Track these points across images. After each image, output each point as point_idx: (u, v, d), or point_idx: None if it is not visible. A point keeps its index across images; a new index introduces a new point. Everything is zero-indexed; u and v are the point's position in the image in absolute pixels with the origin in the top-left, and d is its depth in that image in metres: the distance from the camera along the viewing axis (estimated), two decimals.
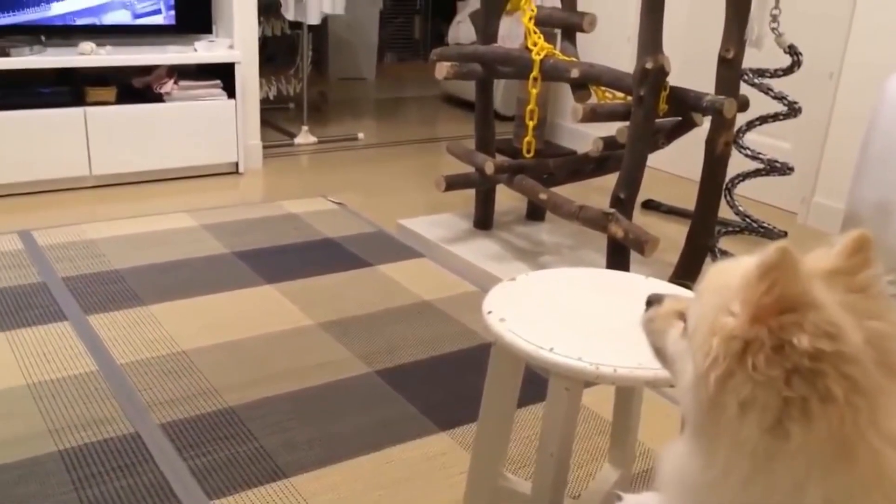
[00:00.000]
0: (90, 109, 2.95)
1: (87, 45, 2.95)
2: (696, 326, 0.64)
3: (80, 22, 3.03)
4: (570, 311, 1.17)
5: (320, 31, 4.41)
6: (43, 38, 2.98)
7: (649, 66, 1.88)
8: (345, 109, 4.71)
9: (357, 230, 2.79)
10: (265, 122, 3.64)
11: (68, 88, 2.96)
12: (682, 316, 0.70)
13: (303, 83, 4.00)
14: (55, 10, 2.97)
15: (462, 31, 4.79)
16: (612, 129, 2.22)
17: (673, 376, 0.70)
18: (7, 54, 2.80)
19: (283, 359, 1.94)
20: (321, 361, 1.93)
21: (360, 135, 4.10)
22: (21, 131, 2.83)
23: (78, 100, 2.96)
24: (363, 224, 2.86)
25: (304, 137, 3.89)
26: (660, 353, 0.74)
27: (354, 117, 4.55)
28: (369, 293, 2.31)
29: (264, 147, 3.53)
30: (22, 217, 2.74)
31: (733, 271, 0.63)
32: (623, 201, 2.04)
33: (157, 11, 3.16)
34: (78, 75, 3.00)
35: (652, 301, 0.77)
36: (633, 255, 2.14)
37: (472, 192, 2.77)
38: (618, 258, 2.12)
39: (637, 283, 1.28)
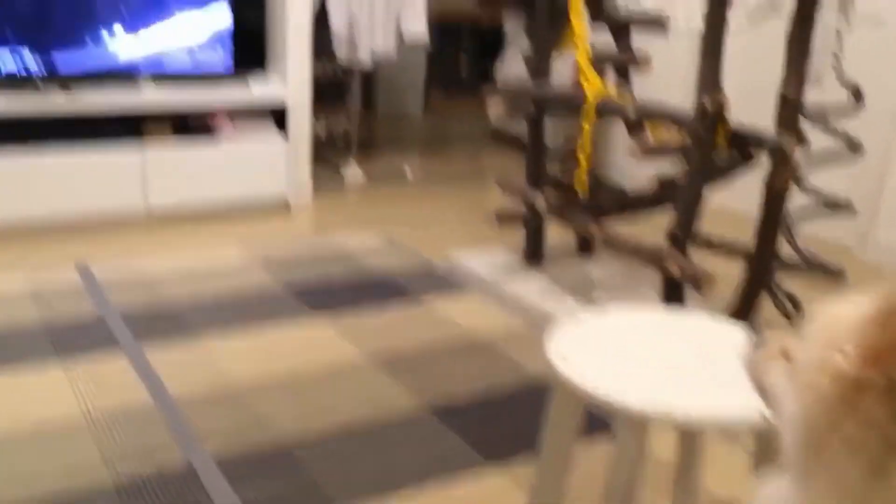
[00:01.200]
0: (149, 147, 3.02)
1: (148, 87, 3.04)
2: (803, 366, 0.63)
3: (142, 65, 3.12)
4: (636, 352, 1.15)
5: (369, 70, 4.48)
6: (107, 79, 3.08)
7: (707, 104, 1.87)
8: (392, 146, 4.76)
9: (407, 265, 2.80)
10: (315, 159, 3.69)
11: (129, 127, 3.04)
12: (786, 355, 0.70)
13: (352, 120, 4.06)
14: (119, 53, 3.07)
15: (510, 69, 4.83)
16: (663, 164, 2.20)
17: (775, 415, 0.70)
18: (73, 95, 2.89)
19: (335, 393, 1.93)
20: (373, 397, 1.93)
21: (408, 170, 4.13)
22: (83, 167, 2.92)
23: (137, 137, 3.04)
24: (413, 259, 2.86)
25: (354, 173, 3.94)
26: (762, 391, 0.74)
27: (402, 153, 4.59)
28: (420, 328, 2.31)
29: (315, 183, 3.57)
30: (81, 250, 2.80)
31: (842, 312, 0.63)
32: (679, 238, 2.02)
33: (215, 54, 3.24)
34: (138, 114, 3.08)
35: (755, 342, 0.77)
36: (688, 291, 2.11)
37: (521, 227, 2.76)
38: (673, 295, 2.09)
39: (702, 323, 1.25)
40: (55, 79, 2.96)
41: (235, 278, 2.60)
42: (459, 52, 6.26)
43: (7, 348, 2.07)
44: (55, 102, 2.87)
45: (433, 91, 6.11)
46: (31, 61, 2.93)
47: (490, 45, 6.10)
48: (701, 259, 2.92)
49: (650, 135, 2.24)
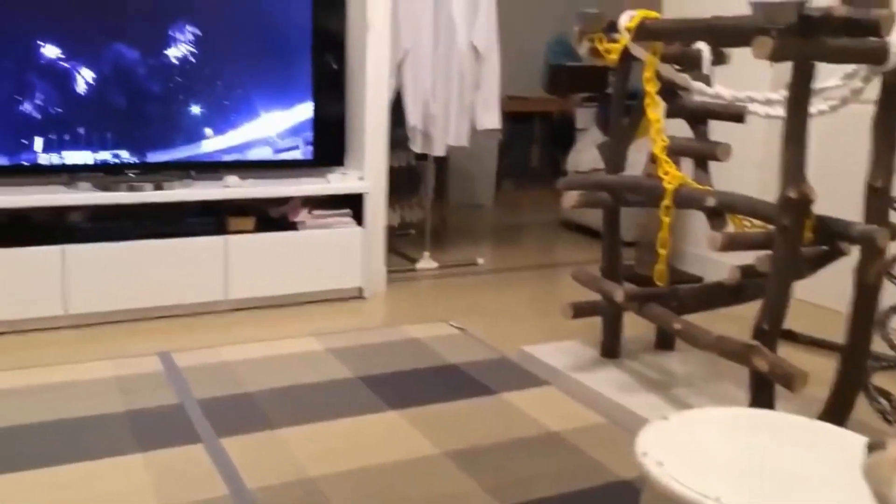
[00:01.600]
0: (231, 238, 3.13)
1: (231, 179, 3.17)
2: None
3: (226, 158, 3.26)
4: (733, 456, 1.09)
5: (442, 161, 4.59)
6: (193, 172, 3.23)
7: (793, 195, 1.83)
8: (464, 235, 4.81)
9: (480, 356, 2.77)
10: (388, 248, 3.74)
11: (213, 218, 3.16)
12: None
13: (426, 210, 4.13)
14: (205, 147, 3.22)
15: (581, 159, 4.86)
16: (742, 256, 2.15)
17: None
18: (161, 188, 3.03)
19: (410, 488, 1.89)
20: (448, 493, 1.88)
21: (480, 260, 4.15)
22: (168, 258, 3.03)
23: (220, 229, 3.15)
24: (485, 350, 2.84)
25: (426, 262, 3.97)
26: (884, 500, 0.69)
27: (474, 243, 4.62)
28: (494, 422, 2.26)
29: (388, 272, 3.62)
30: (164, 339, 2.88)
31: None
32: (767, 333, 1.95)
33: (296, 147, 3.38)
34: (221, 206, 3.20)
35: (874, 446, 0.73)
36: (777, 389, 2.02)
37: (595, 320, 2.72)
38: (762, 393, 2.00)
39: (798, 424, 1.19)
40: (143, 170, 3.12)
41: (311, 369, 2.62)
42: (530, 142, 6.36)
43: (91, 435, 2.11)
44: (143, 193, 3.00)
45: (504, 181, 6.19)
46: (122, 153, 3.10)
47: (561, 134, 6.19)
48: (788, 355, 2.81)
49: (731, 226, 2.20)
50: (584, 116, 5.15)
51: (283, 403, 2.35)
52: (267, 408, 2.31)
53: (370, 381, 2.53)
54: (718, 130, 2.53)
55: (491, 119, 3.96)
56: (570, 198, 2.41)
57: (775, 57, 1.77)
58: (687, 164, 2.49)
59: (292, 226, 3.29)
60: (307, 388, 2.46)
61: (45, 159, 2.98)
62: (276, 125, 3.32)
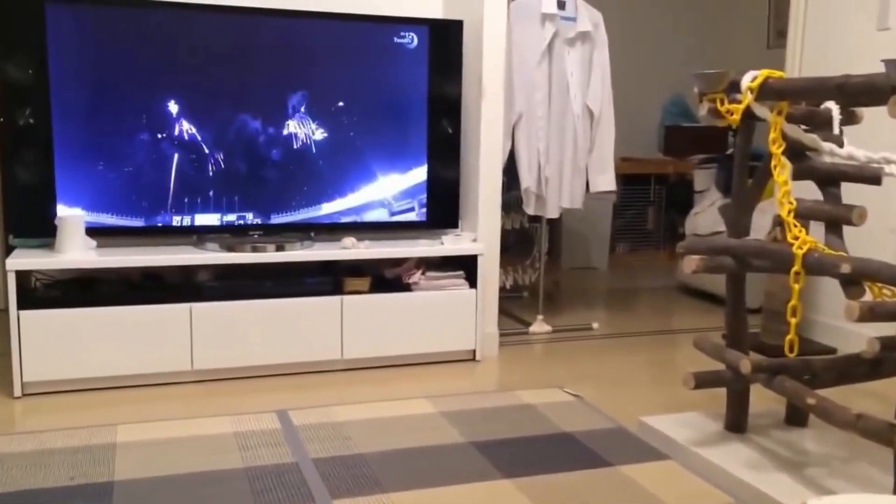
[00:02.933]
0: (346, 298, 3.19)
1: (349, 240, 3.25)
2: None
3: (344, 220, 3.36)
4: None
5: (555, 223, 4.56)
6: (312, 234, 3.33)
7: None
8: (578, 299, 4.73)
9: (595, 425, 2.68)
10: (500, 311, 3.72)
11: (329, 279, 3.24)
12: None
13: (539, 273, 4.09)
14: (324, 209, 3.33)
15: (700, 222, 4.72)
16: (878, 327, 2.00)
17: None
18: (282, 249, 3.15)
19: None
20: None
21: (595, 324, 4.06)
22: (286, 317, 3.12)
23: (337, 289, 3.22)
24: (601, 419, 2.74)
25: (539, 326, 3.92)
26: None
27: (587, 306, 4.54)
28: (612, 496, 2.17)
29: (500, 335, 3.58)
30: (281, 396, 2.94)
31: None
32: None
33: (411, 209, 3.44)
34: (338, 266, 3.28)
35: None
36: None
37: (718, 391, 2.58)
38: None
39: None
40: (266, 231, 3.25)
41: (424, 432, 2.60)
42: (645, 204, 6.24)
43: (211, 491, 2.16)
44: (265, 254, 3.12)
45: (618, 244, 6.08)
46: (247, 215, 3.24)
47: (677, 196, 6.05)
48: None
49: (870, 294, 2.06)
50: (703, 178, 5.02)
51: (395, 466, 2.34)
52: (379, 470, 2.31)
53: (483, 446, 2.49)
54: (850, 193, 2.40)
55: (605, 181, 3.92)
56: (692, 262, 2.32)
57: None
58: (815, 228, 2.37)
59: (406, 287, 3.33)
60: (419, 452, 2.44)
61: (176, 221, 3.16)
62: (392, 188, 3.40)
